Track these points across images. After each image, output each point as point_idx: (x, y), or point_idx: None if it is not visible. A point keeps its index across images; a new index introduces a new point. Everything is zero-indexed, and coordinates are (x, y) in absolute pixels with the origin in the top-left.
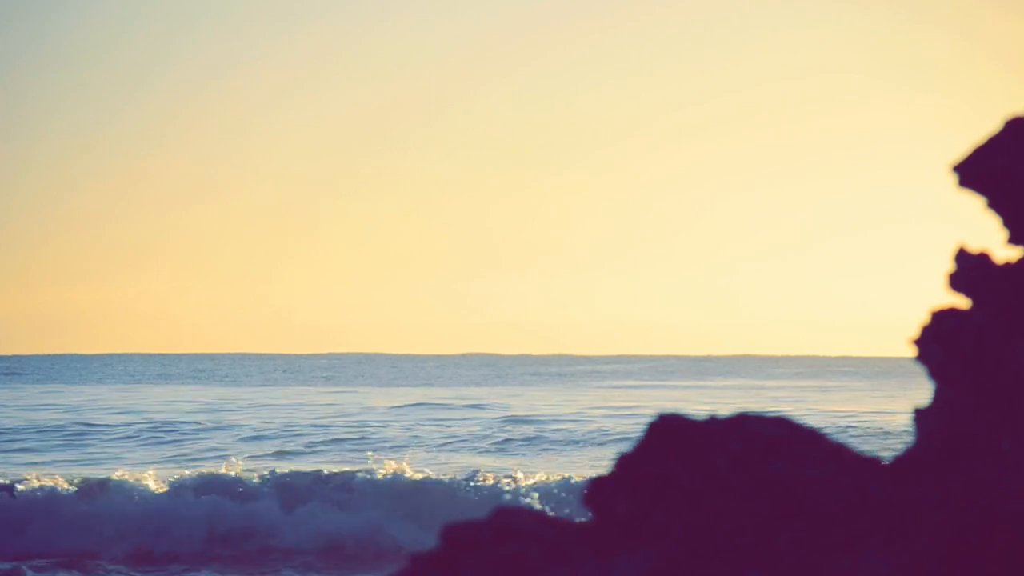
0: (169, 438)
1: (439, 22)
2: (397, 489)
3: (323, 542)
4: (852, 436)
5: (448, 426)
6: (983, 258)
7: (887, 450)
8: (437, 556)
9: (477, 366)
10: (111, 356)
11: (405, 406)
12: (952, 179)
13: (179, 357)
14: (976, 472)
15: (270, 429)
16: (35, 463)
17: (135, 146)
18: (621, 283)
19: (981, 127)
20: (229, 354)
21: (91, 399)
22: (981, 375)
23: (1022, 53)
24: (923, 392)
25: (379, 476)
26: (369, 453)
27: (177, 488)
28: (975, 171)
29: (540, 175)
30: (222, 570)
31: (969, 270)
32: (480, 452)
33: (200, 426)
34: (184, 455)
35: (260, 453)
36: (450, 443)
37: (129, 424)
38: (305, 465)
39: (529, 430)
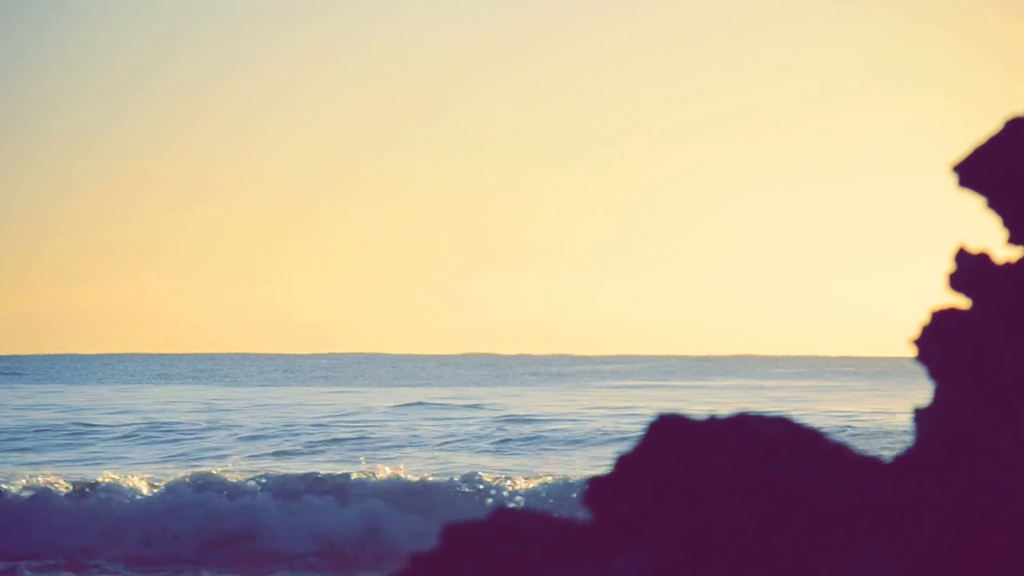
0: (169, 438)
1: (439, 22)
2: (396, 489)
3: (321, 543)
4: (852, 436)
5: (447, 426)
6: (983, 258)
7: (887, 450)
8: (437, 556)
9: (477, 366)
10: (111, 356)
11: (404, 405)
12: (952, 179)
13: (179, 357)
14: (976, 472)
15: (269, 429)
16: (34, 463)
17: (135, 146)
18: (621, 283)
19: (981, 127)
20: (229, 354)
21: (91, 399)
22: (981, 375)
23: (1022, 53)
24: (923, 392)
25: (378, 476)
26: (361, 457)
27: (174, 488)
28: (975, 171)
29: (540, 175)
30: (220, 571)
31: (969, 270)
32: (479, 452)
33: (199, 426)
34: (183, 455)
35: (259, 453)
36: (449, 443)
37: (128, 424)
38: (304, 465)
39: (529, 430)
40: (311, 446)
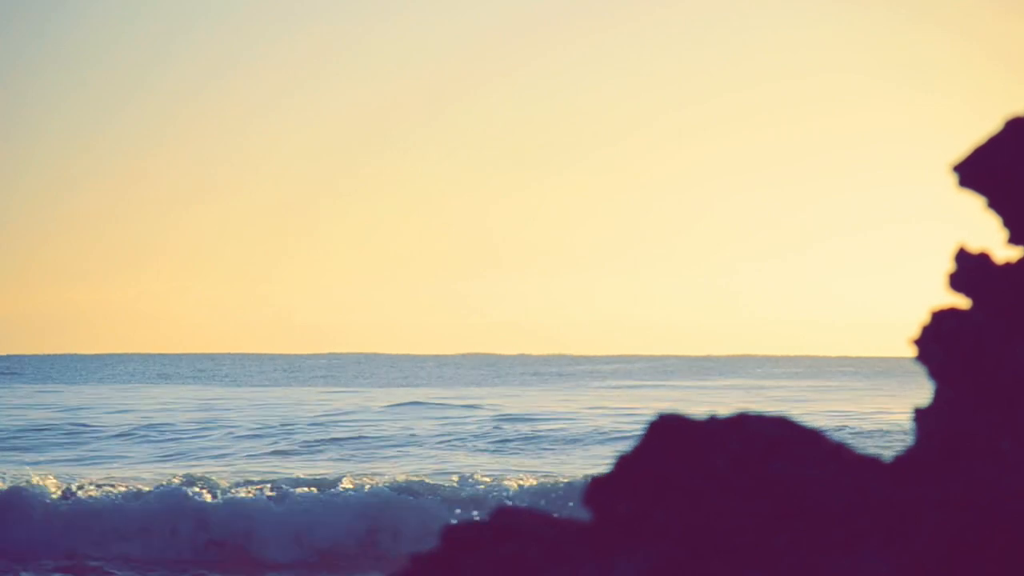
0: (167, 438)
1: (439, 22)
2: (394, 489)
3: (318, 544)
4: (852, 436)
5: (447, 426)
6: (983, 258)
7: (887, 450)
8: (437, 556)
9: (477, 366)
10: (111, 356)
11: (403, 405)
12: (952, 179)
13: (179, 357)
14: (976, 472)
15: (267, 429)
16: (32, 462)
17: (135, 146)
18: (621, 283)
19: (981, 127)
20: (229, 354)
21: (90, 399)
22: (981, 375)
23: (1022, 53)
24: (923, 392)
25: (376, 476)
26: (358, 458)
27: (169, 489)
28: (975, 171)
29: (540, 175)
30: (212, 572)
31: (969, 270)
32: (479, 452)
33: (199, 426)
34: (181, 455)
35: (257, 452)
36: (449, 443)
37: (128, 424)
38: (301, 465)
39: (528, 430)
40: (309, 446)
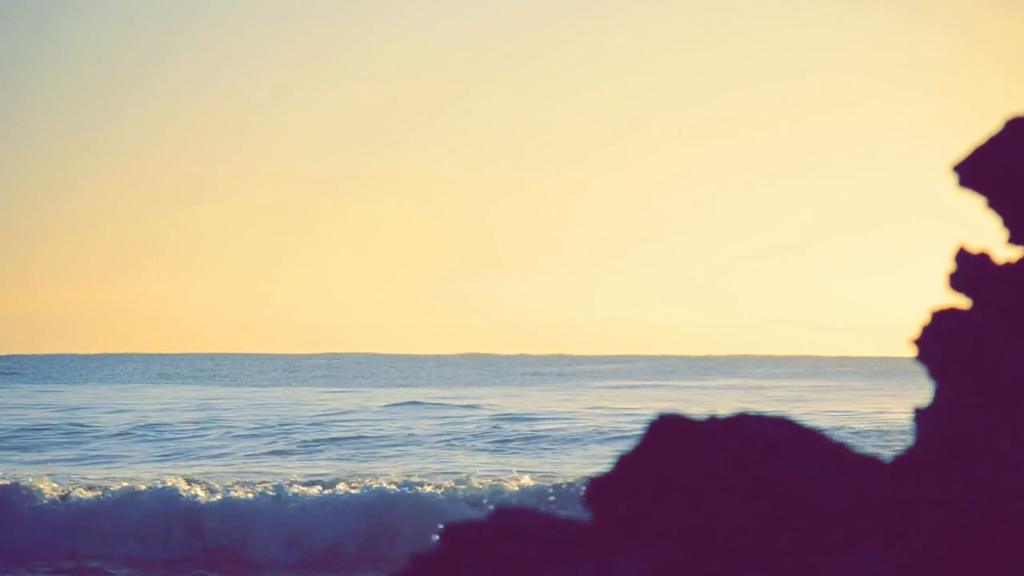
0: (167, 438)
1: (439, 22)
2: (394, 490)
3: (319, 544)
4: (852, 436)
5: (446, 425)
6: (983, 258)
7: (887, 450)
8: (437, 556)
9: (477, 366)
10: (111, 356)
11: (402, 405)
12: (952, 179)
13: (179, 357)
14: (976, 472)
15: (266, 428)
16: (32, 462)
17: (135, 146)
18: (621, 283)
19: (981, 127)
20: (229, 354)
21: (90, 399)
22: (981, 375)
23: (1022, 53)
24: (923, 392)
25: (375, 477)
26: (357, 457)
27: (170, 489)
28: (975, 171)
29: (540, 175)
30: (210, 572)
31: (969, 270)
32: (479, 452)
33: (198, 426)
34: (181, 455)
35: (255, 452)
36: (448, 443)
37: (127, 424)
38: (300, 465)
39: (528, 429)
40: (308, 446)
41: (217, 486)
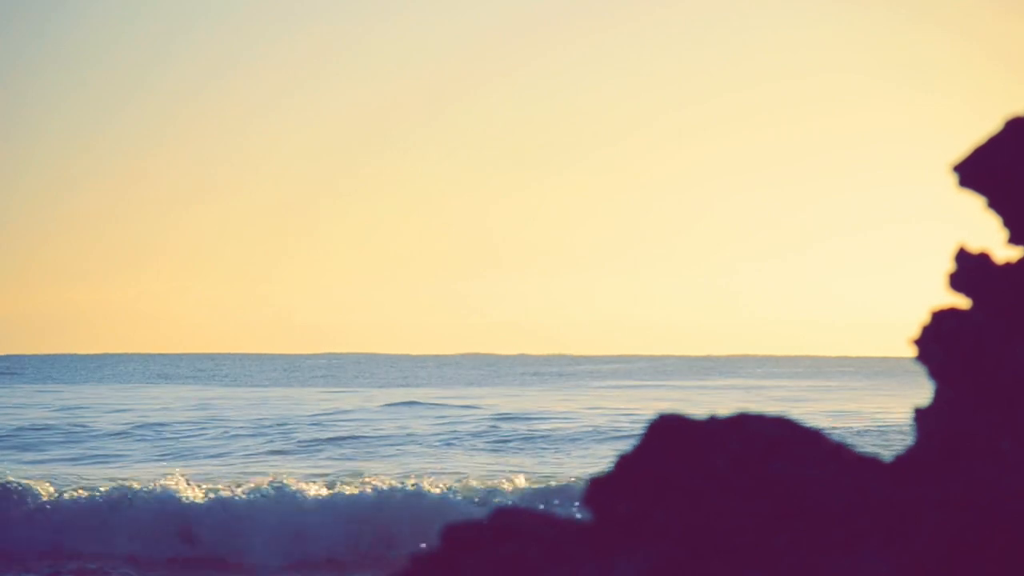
0: (166, 437)
1: (439, 22)
2: (393, 490)
3: (318, 544)
4: (852, 436)
5: (446, 425)
6: (983, 258)
7: (887, 450)
8: (437, 556)
9: (476, 366)
10: (111, 356)
11: (402, 405)
12: (952, 179)
13: (179, 357)
14: (976, 472)
15: (265, 428)
16: (32, 462)
17: (135, 146)
18: (621, 283)
19: (981, 127)
20: (229, 354)
21: (90, 399)
22: (981, 375)
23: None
24: (923, 392)
25: (375, 476)
26: (356, 457)
27: (168, 489)
28: (975, 171)
29: (540, 175)
30: (214, 573)
31: (969, 270)
32: (478, 451)
33: (197, 426)
34: (181, 455)
35: (255, 452)
36: (448, 443)
37: (126, 423)
38: (298, 464)
39: (527, 429)
40: (307, 445)
41: (216, 486)
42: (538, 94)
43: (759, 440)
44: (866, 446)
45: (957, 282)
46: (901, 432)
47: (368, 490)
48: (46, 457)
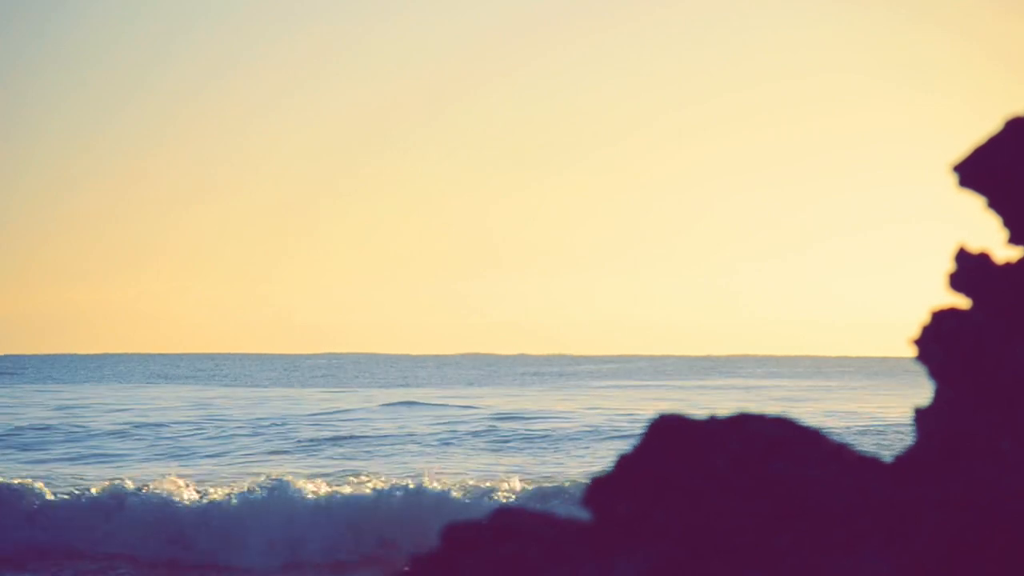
0: (166, 437)
1: (439, 22)
2: (393, 489)
3: (318, 543)
4: (852, 436)
5: (445, 425)
6: (983, 258)
7: (887, 450)
8: (437, 556)
9: (476, 366)
10: (111, 356)
11: (402, 405)
12: (952, 179)
13: (179, 357)
14: (976, 472)
15: (264, 428)
16: (32, 462)
17: (135, 146)
18: (621, 283)
19: (981, 127)
20: (229, 354)
21: (90, 399)
22: (981, 375)
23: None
24: (923, 392)
25: (374, 476)
26: (356, 457)
27: (167, 489)
28: (975, 171)
29: (540, 175)
30: (214, 574)
31: (969, 270)
32: (478, 451)
33: (197, 426)
34: (180, 455)
35: (254, 452)
36: (447, 442)
37: (126, 423)
38: (300, 464)
39: (527, 429)
40: (306, 445)
41: (215, 487)
42: (538, 94)
43: (759, 440)
44: (866, 446)
45: (957, 282)
46: (901, 432)
47: (368, 490)
48: (46, 457)
